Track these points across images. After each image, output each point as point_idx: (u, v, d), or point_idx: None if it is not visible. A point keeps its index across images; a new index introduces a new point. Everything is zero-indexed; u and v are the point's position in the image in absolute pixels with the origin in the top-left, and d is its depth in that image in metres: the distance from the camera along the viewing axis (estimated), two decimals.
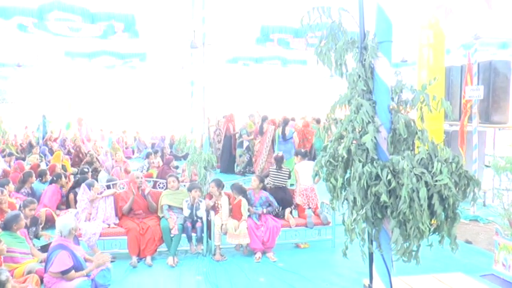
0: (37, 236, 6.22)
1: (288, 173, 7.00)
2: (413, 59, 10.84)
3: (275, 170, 7.00)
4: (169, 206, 6.34)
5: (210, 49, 8.53)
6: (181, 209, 6.29)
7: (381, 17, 2.71)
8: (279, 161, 7.10)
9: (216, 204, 6.40)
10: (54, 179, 8.25)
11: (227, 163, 13.14)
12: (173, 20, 10.76)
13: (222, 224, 6.12)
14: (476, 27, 8.48)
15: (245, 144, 12.65)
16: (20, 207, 6.21)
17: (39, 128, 18.17)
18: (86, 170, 9.08)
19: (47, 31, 9.84)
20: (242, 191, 6.41)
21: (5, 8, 8.94)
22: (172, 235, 6.04)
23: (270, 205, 6.46)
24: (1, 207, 6.01)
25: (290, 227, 6.43)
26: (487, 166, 9.44)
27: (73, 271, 4.52)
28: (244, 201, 6.30)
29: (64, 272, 4.47)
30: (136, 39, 10.86)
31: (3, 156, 11.08)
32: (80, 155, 13.08)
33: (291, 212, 6.69)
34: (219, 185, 6.45)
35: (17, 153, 13.35)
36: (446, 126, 9.10)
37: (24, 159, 11.60)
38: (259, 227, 6.18)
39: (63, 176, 8.52)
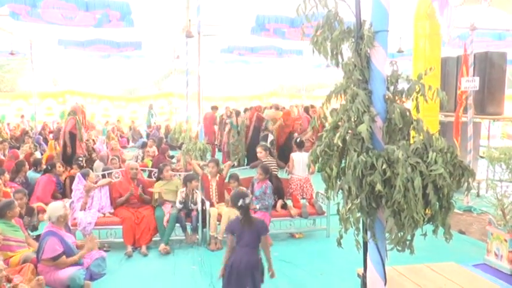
0: (35, 228, 6.21)
1: (274, 160, 7.13)
2: (410, 49, 10.83)
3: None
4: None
5: (206, 38, 8.51)
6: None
7: (377, 7, 2.69)
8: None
9: (210, 188, 6.48)
10: (49, 168, 8.20)
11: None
12: (168, 9, 10.67)
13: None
14: (472, 18, 8.47)
15: (270, 137, 11.98)
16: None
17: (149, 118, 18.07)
18: (80, 160, 9.03)
19: (40, 19, 9.72)
20: (238, 179, 6.50)
21: None
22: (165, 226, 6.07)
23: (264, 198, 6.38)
24: None
25: (284, 217, 6.46)
26: (481, 157, 9.49)
27: (64, 256, 4.54)
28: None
29: (55, 258, 4.48)
30: (132, 28, 10.76)
31: None
32: None
33: (285, 203, 6.69)
34: (217, 163, 6.69)
35: (11, 142, 13.29)
36: (441, 117, 9.12)
37: (18, 148, 11.55)
38: None
39: (57, 164, 8.48)
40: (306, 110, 13.76)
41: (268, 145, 11.43)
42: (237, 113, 12.91)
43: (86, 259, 4.81)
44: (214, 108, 15.02)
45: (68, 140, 9.60)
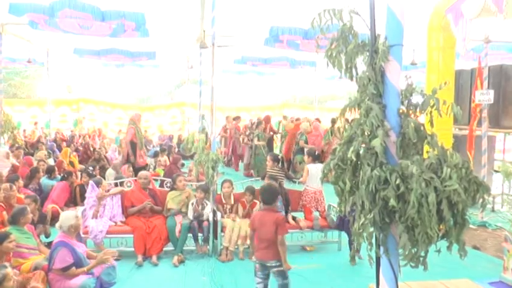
0: (47, 235, 6.25)
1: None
2: (423, 61, 10.78)
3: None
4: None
5: (219, 49, 8.57)
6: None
7: (391, 20, 2.68)
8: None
9: (225, 206, 6.50)
10: (65, 176, 8.31)
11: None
12: (183, 20, 10.78)
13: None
14: (486, 30, 8.42)
15: (306, 150, 11.24)
16: None
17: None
18: (90, 169, 9.12)
19: (57, 28, 9.90)
20: (254, 192, 6.53)
21: (17, 5, 9.02)
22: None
23: None
24: (10, 203, 6.05)
25: (293, 229, 6.43)
26: (496, 171, 9.36)
27: (74, 268, 4.55)
28: (258, 204, 6.43)
29: (65, 269, 4.50)
30: (146, 38, 10.90)
31: (12, 151, 11.15)
32: (88, 152, 13.16)
33: (293, 217, 6.65)
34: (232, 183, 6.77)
35: (26, 148, 13.44)
36: (455, 130, 9.03)
37: (33, 155, 11.68)
38: None
39: (74, 174, 8.59)
40: (333, 121, 13.49)
41: (312, 151, 11.16)
42: (258, 123, 12.84)
43: (96, 268, 4.82)
44: (237, 118, 14.55)
45: (130, 149, 9.77)
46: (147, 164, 10.44)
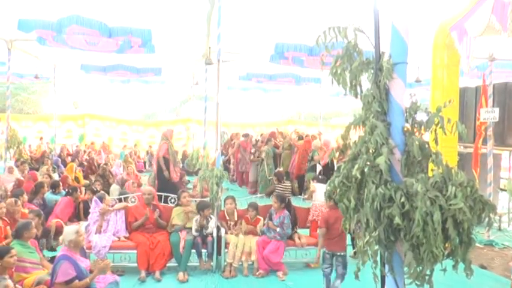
0: (52, 249, 6.23)
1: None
2: (427, 79, 10.80)
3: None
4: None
5: (225, 65, 8.63)
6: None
7: (396, 39, 2.71)
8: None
9: (229, 222, 6.46)
10: (70, 191, 8.31)
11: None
12: (189, 36, 10.89)
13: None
14: (491, 48, 8.44)
15: (318, 168, 10.64)
16: None
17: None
18: (94, 188, 9.13)
19: (64, 44, 10.03)
20: (257, 208, 6.51)
21: (26, 21, 9.15)
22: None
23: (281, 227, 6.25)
24: (14, 218, 6.06)
25: (297, 246, 6.37)
26: (502, 189, 9.30)
27: (76, 281, 4.52)
28: (261, 221, 6.42)
29: (67, 282, 4.48)
30: (152, 54, 11.00)
31: (17, 166, 11.20)
32: (93, 167, 13.19)
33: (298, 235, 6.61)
34: (234, 200, 6.72)
35: (31, 163, 13.49)
36: (460, 148, 9.00)
37: (38, 170, 11.72)
38: (266, 246, 6.13)
39: (78, 190, 8.60)
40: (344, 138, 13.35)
41: (317, 175, 10.90)
42: (268, 140, 12.80)
43: (99, 283, 4.78)
44: (246, 136, 14.37)
45: (163, 164, 9.62)
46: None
